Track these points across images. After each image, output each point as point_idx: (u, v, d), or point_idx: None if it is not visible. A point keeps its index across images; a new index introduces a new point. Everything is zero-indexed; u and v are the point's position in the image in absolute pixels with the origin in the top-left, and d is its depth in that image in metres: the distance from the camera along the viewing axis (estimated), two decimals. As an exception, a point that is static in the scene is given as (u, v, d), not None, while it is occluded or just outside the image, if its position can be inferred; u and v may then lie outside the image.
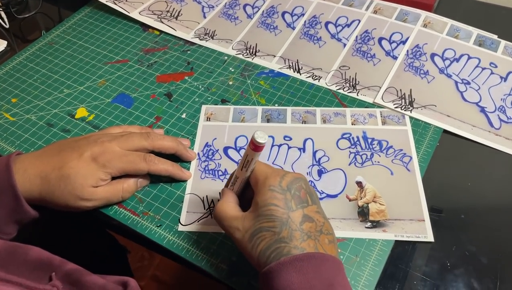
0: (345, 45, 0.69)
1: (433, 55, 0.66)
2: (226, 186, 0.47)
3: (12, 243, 0.44)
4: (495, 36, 0.68)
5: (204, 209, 0.52)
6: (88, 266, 0.46)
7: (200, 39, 0.72)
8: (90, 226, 0.70)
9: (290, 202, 0.40)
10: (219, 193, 0.48)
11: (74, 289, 0.42)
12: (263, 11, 0.75)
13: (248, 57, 0.69)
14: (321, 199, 0.52)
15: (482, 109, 0.60)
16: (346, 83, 0.64)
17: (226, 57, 0.69)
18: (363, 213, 0.51)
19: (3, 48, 0.73)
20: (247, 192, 0.45)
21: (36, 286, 0.40)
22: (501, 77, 0.63)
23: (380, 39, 0.69)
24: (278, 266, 0.37)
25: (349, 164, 0.55)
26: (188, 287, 1.17)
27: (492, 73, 0.63)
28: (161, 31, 0.74)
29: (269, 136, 0.58)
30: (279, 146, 0.57)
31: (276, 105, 0.62)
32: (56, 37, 0.74)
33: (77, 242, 0.68)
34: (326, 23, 0.72)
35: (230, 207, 0.43)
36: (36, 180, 0.47)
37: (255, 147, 0.40)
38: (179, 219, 0.51)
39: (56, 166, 0.48)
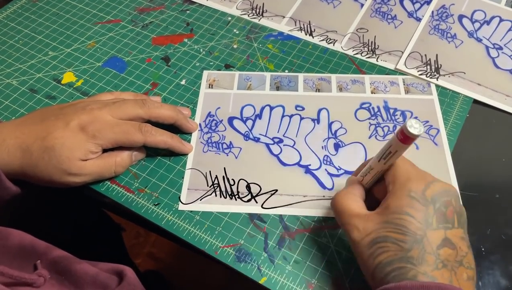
0: (362, 5, 0.62)
1: (461, 17, 0.60)
2: (356, 174, 0.41)
3: (-12, 226, 0.39)
4: (528, -3, 0.62)
5: (207, 185, 0.46)
6: (79, 248, 0.41)
7: (201, -2, 0.65)
8: (80, 203, 0.64)
9: (431, 217, 0.33)
10: (346, 181, 0.41)
11: (63, 278, 0.38)
12: (270, -32, 0.67)
13: (254, 18, 0.62)
14: (338, 175, 0.47)
15: (516, 77, 0.54)
16: (364, 47, 0.58)
17: (229, 18, 0.62)
18: (386, 192, 0.45)
19: (-19, 6, 0.66)
20: (377, 188, 0.39)
21: (21, 276, 0.35)
22: (536, 42, 0.57)
23: (402, -1, 0.62)
24: (399, 287, 0.31)
25: (369, 137, 0.49)
26: (186, 264, 1.14)
27: (526, 37, 0.57)
28: (157, -11, 0.66)
29: (279, 105, 0.52)
30: (290, 116, 0.51)
31: (286, 71, 0.56)
32: (40, -6, 0.66)
33: (66, 221, 0.63)
34: (341, -19, 0.65)
35: (353, 200, 0.37)
36: (16, 152, 0.42)
37: (404, 138, 0.32)
38: (179, 197, 0.46)
39: (38, 136, 0.42)
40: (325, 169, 0.47)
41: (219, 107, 0.53)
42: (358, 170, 0.41)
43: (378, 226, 0.34)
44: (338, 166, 0.48)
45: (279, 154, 0.49)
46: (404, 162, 0.36)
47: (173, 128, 0.49)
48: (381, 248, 0.33)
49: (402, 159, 0.36)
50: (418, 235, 0.32)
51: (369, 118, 0.51)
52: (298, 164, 0.48)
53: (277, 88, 0.54)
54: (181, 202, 0.45)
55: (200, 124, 0.51)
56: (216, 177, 0.47)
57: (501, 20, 0.59)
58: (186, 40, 0.60)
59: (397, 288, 0.31)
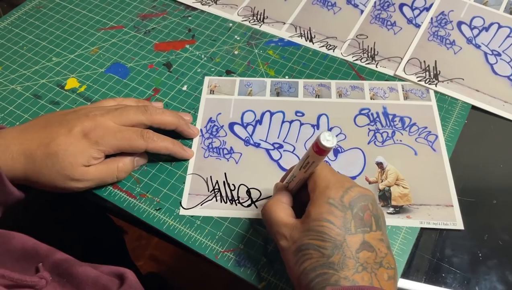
0: (362, 11, 0.63)
1: (460, 24, 0.60)
2: (282, 180, 0.41)
3: (-9, 230, 0.39)
4: (527, 4, 0.62)
5: (208, 191, 0.47)
6: (82, 250, 0.42)
7: (203, 4, 0.65)
8: (82, 207, 0.65)
9: (349, 222, 0.34)
10: (274, 186, 0.42)
11: (64, 281, 0.38)
12: (271, -26, 0.68)
13: (255, 24, 0.63)
14: (337, 181, 0.47)
15: (514, 84, 0.54)
16: (363, 53, 0.58)
17: (231, 24, 0.63)
18: (384, 197, 0.46)
19: (-14, 12, 0.67)
20: (303, 192, 0.39)
21: (22, 278, 0.35)
22: (534, 49, 0.57)
23: (401, 5, 0.63)
24: None
25: (368, 143, 0.50)
26: (188, 267, 1.14)
27: (524, 43, 0.58)
28: (159, -5, 0.67)
29: (279, 111, 0.53)
30: (290, 122, 0.52)
31: (287, 77, 0.56)
32: (44, 0, 0.67)
33: (68, 224, 0.64)
34: (341, -12, 0.65)
35: (281, 208, 0.38)
36: (20, 158, 0.42)
37: (319, 150, 0.33)
38: (180, 202, 0.46)
39: (42, 142, 0.43)
40: (325, 175, 0.48)
41: (220, 113, 0.53)
42: (285, 175, 0.42)
43: (302, 234, 0.34)
44: (338, 171, 0.48)
45: (279, 159, 0.49)
46: (323, 170, 0.37)
47: (175, 134, 0.49)
48: (305, 255, 0.34)
49: (322, 166, 0.37)
50: (338, 240, 0.33)
51: (368, 124, 0.51)
52: (297, 169, 0.48)
53: (278, 94, 0.55)
54: (182, 207, 0.46)
55: (201, 130, 0.52)
56: (217, 182, 0.48)
57: (499, 26, 0.60)
58: (188, 46, 0.61)
59: None
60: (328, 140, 0.32)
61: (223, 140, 0.51)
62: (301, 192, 0.39)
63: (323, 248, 0.33)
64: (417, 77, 0.55)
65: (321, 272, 0.33)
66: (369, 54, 0.58)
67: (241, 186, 0.47)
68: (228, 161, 0.49)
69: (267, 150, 0.50)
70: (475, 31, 0.59)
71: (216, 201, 0.46)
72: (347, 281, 0.32)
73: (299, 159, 0.49)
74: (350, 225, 0.34)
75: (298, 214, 0.38)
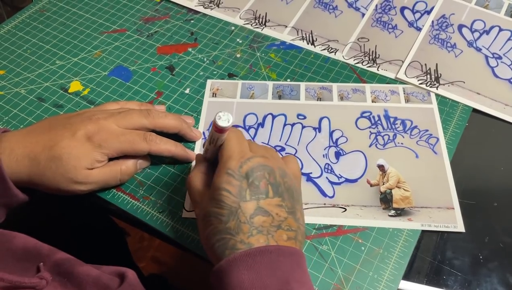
0: (363, 14, 0.63)
1: (460, 27, 0.60)
2: (205, 150, 0.44)
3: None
4: (527, 7, 0.63)
5: (211, 193, 0.47)
6: (84, 252, 0.42)
7: (205, 7, 0.66)
8: (85, 209, 0.65)
9: (244, 191, 0.36)
10: (195, 157, 0.46)
11: (65, 281, 0.38)
12: (273, -22, 0.69)
13: (257, 27, 0.63)
14: (339, 183, 0.48)
15: (515, 87, 0.55)
16: (365, 56, 0.58)
17: (233, 27, 0.63)
18: (386, 200, 0.46)
19: (-10, 16, 0.67)
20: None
21: (21, 280, 0.36)
22: (535, 52, 0.57)
23: (402, 9, 0.63)
24: (228, 263, 0.34)
25: (370, 146, 0.50)
26: (190, 268, 1.14)
27: (525, 47, 0.58)
28: (162, -2, 0.68)
29: (281, 114, 0.53)
30: (292, 125, 0.52)
31: (288, 80, 0.57)
32: (48, 4, 0.68)
33: (71, 225, 0.64)
34: (342, -9, 0.66)
35: (198, 178, 0.41)
36: (24, 161, 0.43)
37: (217, 129, 0.38)
38: (183, 204, 0.47)
39: (46, 145, 0.43)
40: (326, 177, 0.48)
41: (222, 116, 0.53)
42: (205, 146, 0.44)
43: (207, 202, 0.37)
44: (339, 174, 0.48)
45: (281, 162, 0.50)
46: (229, 141, 0.39)
47: (177, 136, 0.50)
48: (208, 221, 0.37)
49: (229, 137, 0.39)
50: (233, 207, 0.36)
51: (369, 127, 0.52)
52: (299, 172, 0.49)
53: (279, 97, 0.55)
54: (185, 209, 0.46)
55: (203, 132, 0.52)
56: (219, 184, 0.48)
57: (500, 29, 0.60)
58: (190, 49, 0.61)
59: (227, 262, 0.34)
60: (223, 120, 0.37)
61: (225, 143, 0.51)
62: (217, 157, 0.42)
63: (221, 215, 0.36)
64: (418, 80, 0.55)
65: (220, 237, 0.35)
66: (371, 57, 0.58)
67: (243, 188, 0.48)
68: (230, 163, 0.49)
69: (269, 153, 0.50)
70: (476, 34, 0.60)
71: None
72: (242, 244, 0.34)
73: (301, 161, 0.49)
74: (245, 193, 0.36)
75: None
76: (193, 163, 0.49)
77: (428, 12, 0.62)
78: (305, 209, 0.46)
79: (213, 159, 0.42)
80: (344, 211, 0.46)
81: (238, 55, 0.60)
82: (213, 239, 0.36)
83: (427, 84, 0.55)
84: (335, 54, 0.59)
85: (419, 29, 0.61)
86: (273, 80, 0.57)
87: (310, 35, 0.61)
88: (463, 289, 0.41)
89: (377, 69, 0.57)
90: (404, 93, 0.55)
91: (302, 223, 0.38)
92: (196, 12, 0.66)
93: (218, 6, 0.66)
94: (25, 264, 0.39)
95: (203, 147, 0.45)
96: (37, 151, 0.43)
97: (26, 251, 0.40)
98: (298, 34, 0.62)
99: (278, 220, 0.36)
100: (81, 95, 0.56)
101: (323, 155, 0.50)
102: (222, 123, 0.37)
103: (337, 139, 0.51)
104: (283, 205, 0.37)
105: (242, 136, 0.40)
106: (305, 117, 0.53)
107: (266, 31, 0.63)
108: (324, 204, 0.46)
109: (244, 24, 0.64)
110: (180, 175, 0.49)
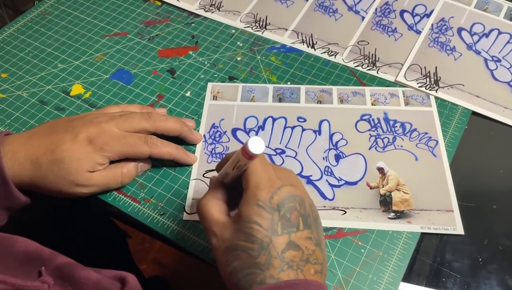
0: (363, 18, 0.63)
1: (460, 30, 0.61)
2: (217, 168, 0.41)
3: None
4: (527, 10, 0.63)
5: (211, 196, 0.47)
6: (85, 254, 0.42)
7: (206, 11, 0.66)
8: (86, 211, 0.66)
9: (276, 224, 0.34)
10: (209, 181, 0.42)
11: (66, 285, 0.39)
12: (273, -19, 0.69)
13: (257, 30, 0.63)
14: (339, 186, 0.48)
15: (514, 90, 0.55)
16: (365, 59, 0.59)
17: (233, 31, 0.64)
18: (385, 202, 0.46)
19: (-8, 19, 0.67)
20: (240, 182, 0.39)
21: (24, 284, 0.36)
22: (534, 55, 0.58)
23: (402, 12, 0.63)
24: None
25: (370, 148, 0.51)
26: (191, 270, 1.15)
27: (524, 50, 0.58)
28: (163, 2, 0.68)
29: (281, 117, 0.53)
30: (292, 127, 0.53)
31: (289, 83, 0.57)
32: (50, 7, 0.68)
33: (72, 227, 0.65)
34: (342, -6, 0.66)
35: (215, 205, 0.38)
36: (26, 164, 0.43)
37: (247, 156, 0.34)
38: (184, 207, 0.47)
39: (48, 148, 0.43)
40: (326, 180, 0.48)
41: (223, 119, 0.54)
42: (220, 164, 0.41)
43: (232, 235, 0.35)
44: (339, 177, 0.49)
45: (281, 164, 0.50)
46: (255, 167, 0.36)
47: (178, 139, 0.50)
48: (234, 256, 0.35)
49: (255, 163, 0.37)
50: (265, 242, 0.34)
51: (369, 130, 0.52)
52: (299, 174, 0.49)
53: (280, 100, 0.55)
54: (186, 212, 0.47)
55: (204, 135, 0.52)
56: (220, 187, 0.48)
57: (499, 32, 0.60)
58: (191, 52, 0.61)
59: None
60: (255, 147, 0.33)
61: (226, 146, 0.51)
62: (237, 181, 0.39)
63: (251, 250, 0.34)
64: (417, 83, 0.56)
65: (248, 272, 0.34)
66: (370, 60, 0.59)
67: (244, 191, 0.48)
68: (231, 166, 0.50)
69: (270, 155, 0.51)
70: (475, 37, 0.60)
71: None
72: (272, 279, 0.33)
73: (301, 164, 0.50)
74: (277, 227, 0.34)
75: (235, 203, 0.38)
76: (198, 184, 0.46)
77: (428, 16, 0.63)
78: (305, 211, 0.46)
79: (231, 184, 0.39)
80: (344, 213, 0.46)
81: (239, 58, 0.60)
82: (240, 273, 0.34)
83: (427, 87, 0.55)
84: (335, 57, 0.59)
85: (418, 32, 0.61)
86: (273, 83, 0.57)
87: (310, 38, 0.62)
88: (463, 291, 0.42)
89: (377, 72, 0.57)
90: (404, 96, 0.55)
91: (326, 254, 0.37)
92: (197, 15, 0.66)
93: (218, 9, 0.66)
94: (27, 268, 0.39)
95: (216, 168, 0.42)
96: (39, 154, 0.43)
97: (28, 255, 0.40)
98: (298, 37, 0.62)
99: (307, 253, 0.35)
100: (82, 98, 0.57)
101: (323, 158, 0.50)
102: (255, 150, 0.33)
103: (337, 142, 0.51)
104: (312, 237, 0.35)
105: (266, 161, 0.38)
106: (305, 120, 0.53)
107: (267, 34, 0.63)
108: (324, 206, 0.47)
109: (245, 27, 0.64)
110: (181, 177, 0.49)
